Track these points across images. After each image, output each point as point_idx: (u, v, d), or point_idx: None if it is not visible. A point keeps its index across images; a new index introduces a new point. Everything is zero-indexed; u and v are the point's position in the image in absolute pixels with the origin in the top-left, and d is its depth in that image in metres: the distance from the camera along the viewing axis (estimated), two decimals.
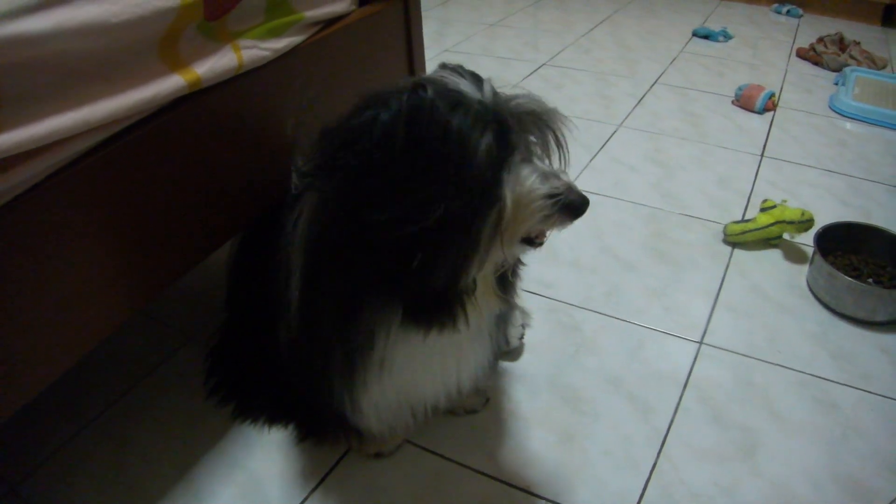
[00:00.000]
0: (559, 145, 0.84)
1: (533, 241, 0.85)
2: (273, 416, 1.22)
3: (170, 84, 0.90)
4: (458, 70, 0.82)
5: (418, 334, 0.86)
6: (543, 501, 1.08)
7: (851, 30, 3.16)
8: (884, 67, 2.85)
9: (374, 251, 0.80)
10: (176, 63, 0.92)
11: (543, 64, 2.70)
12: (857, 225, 1.60)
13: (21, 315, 0.82)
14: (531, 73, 2.61)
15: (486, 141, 0.75)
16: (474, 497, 1.09)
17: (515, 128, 0.79)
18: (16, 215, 0.79)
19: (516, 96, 0.82)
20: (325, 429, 1.15)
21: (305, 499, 1.09)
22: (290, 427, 1.21)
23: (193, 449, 1.18)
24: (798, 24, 3.27)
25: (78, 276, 0.88)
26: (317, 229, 0.87)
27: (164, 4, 0.87)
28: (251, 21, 1.03)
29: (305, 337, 0.95)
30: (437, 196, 0.74)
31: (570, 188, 0.80)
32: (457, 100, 0.76)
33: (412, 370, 0.96)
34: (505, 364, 1.33)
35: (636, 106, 2.37)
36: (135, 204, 0.94)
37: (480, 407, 1.23)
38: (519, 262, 0.95)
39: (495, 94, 0.80)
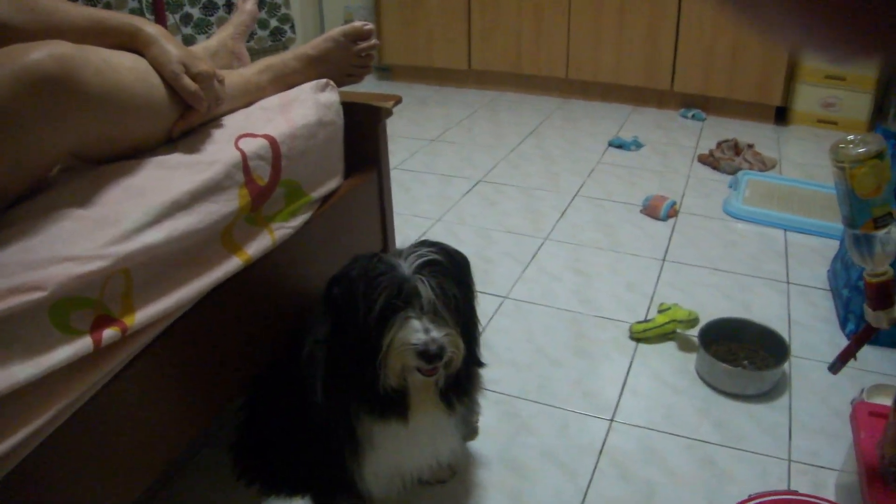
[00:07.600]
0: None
1: (422, 371, 1.26)
2: (293, 490, 1.67)
3: (232, 264, 1.38)
4: (416, 247, 1.31)
5: (379, 423, 1.34)
6: None
7: (748, 129, 3.84)
8: (773, 167, 3.49)
9: (343, 363, 1.31)
10: (233, 247, 1.41)
11: (479, 181, 3.28)
12: (733, 319, 2.17)
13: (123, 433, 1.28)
14: (469, 191, 3.18)
15: (380, 302, 1.21)
16: None
17: (412, 293, 1.21)
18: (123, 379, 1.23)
19: (427, 261, 1.25)
20: (334, 497, 1.63)
21: None
22: (307, 498, 1.67)
23: None
24: (702, 128, 3.93)
25: (153, 414, 1.32)
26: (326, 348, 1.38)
27: (230, 209, 1.34)
28: (277, 207, 1.51)
29: (327, 424, 1.43)
30: (354, 331, 1.26)
31: (428, 343, 1.20)
32: (381, 271, 1.24)
33: (394, 449, 1.42)
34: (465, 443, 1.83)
35: (559, 219, 2.94)
36: (195, 356, 1.38)
37: (448, 478, 1.71)
38: (469, 378, 1.42)
39: (417, 265, 1.24)
